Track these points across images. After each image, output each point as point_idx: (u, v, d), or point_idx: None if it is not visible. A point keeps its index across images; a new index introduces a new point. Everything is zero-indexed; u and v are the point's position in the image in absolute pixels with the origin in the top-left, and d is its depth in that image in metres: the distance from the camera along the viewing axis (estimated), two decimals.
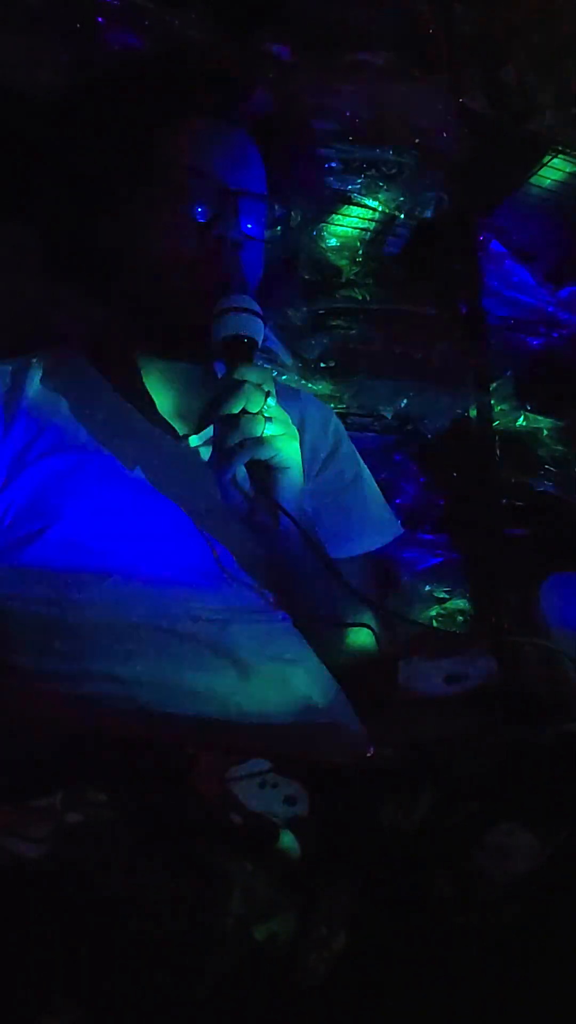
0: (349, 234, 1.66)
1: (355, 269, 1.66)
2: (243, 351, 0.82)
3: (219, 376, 0.84)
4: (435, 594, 1.69)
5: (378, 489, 1.07)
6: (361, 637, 0.93)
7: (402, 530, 1.06)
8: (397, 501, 1.71)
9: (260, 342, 0.83)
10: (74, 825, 0.53)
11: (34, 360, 0.92)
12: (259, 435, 0.78)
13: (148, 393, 0.92)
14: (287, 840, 0.56)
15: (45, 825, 0.52)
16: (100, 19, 1.28)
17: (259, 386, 0.79)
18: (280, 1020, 0.46)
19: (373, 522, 1.02)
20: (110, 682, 0.78)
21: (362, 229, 1.66)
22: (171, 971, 0.44)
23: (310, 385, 1.55)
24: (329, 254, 1.64)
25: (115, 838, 0.53)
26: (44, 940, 0.45)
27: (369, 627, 0.92)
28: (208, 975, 0.45)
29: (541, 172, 1.87)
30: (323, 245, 1.63)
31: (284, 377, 1.49)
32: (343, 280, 1.65)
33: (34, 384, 0.90)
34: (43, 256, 1.02)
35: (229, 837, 0.55)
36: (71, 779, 0.57)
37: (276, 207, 0.93)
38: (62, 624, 0.81)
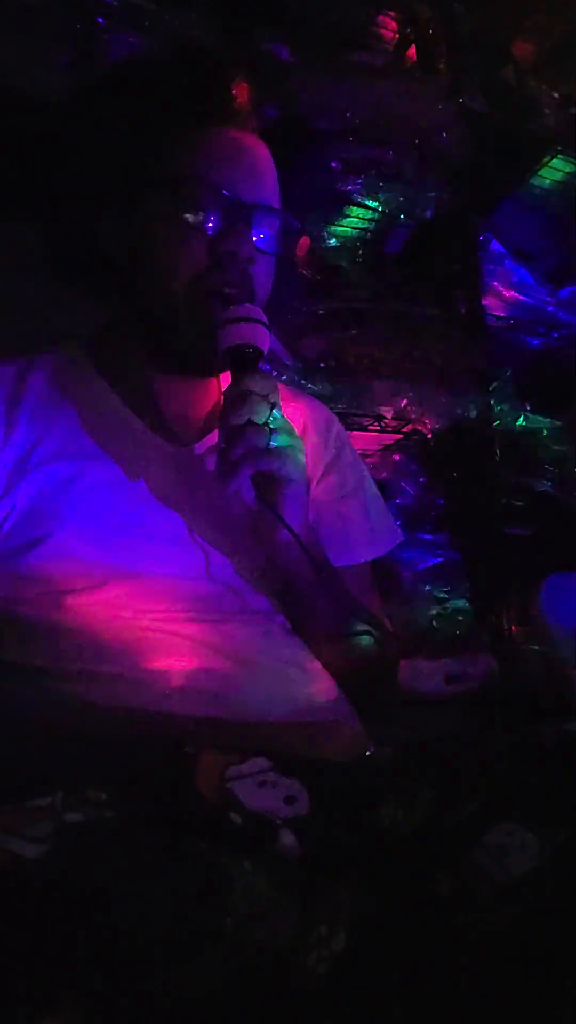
0: (349, 234, 1.66)
1: (355, 269, 1.66)
2: (248, 361, 0.81)
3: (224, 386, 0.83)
4: (435, 594, 1.69)
5: (379, 495, 1.06)
6: (361, 642, 0.93)
7: (403, 536, 1.06)
8: (397, 501, 1.71)
9: (266, 352, 0.82)
10: (74, 825, 0.53)
11: (37, 361, 0.91)
12: (264, 447, 0.77)
13: (151, 400, 0.92)
14: (287, 839, 0.56)
15: (45, 825, 0.52)
16: (100, 19, 1.28)
17: (264, 397, 0.79)
18: (280, 1020, 0.46)
19: (373, 531, 1.01)
20: (110, 681, 0.78)
21: (362, 229, 1.66)
22: (171, 971, 0.44)
23: (310, 385, 1.55)
24: (329, 254, 1.64)
25: (115, 838, 0.53)
26: (44, 940, 0.45)
27: (369, 633, 0.92)
28: (208, 975, 0.45)
29: (541, 172, 1.87)
30: (323, 245, 1.63)
31: (284, 377, 1.49)
32: (343, 280, 1.65)
33: (37, 388, 0.89)
34: (47, 257, 1.02)
35: (229, 836, 0.55)
36: (71, 779, 0.57)
37: (288, 218, 0.91)
38: (61, 626, 0.81)
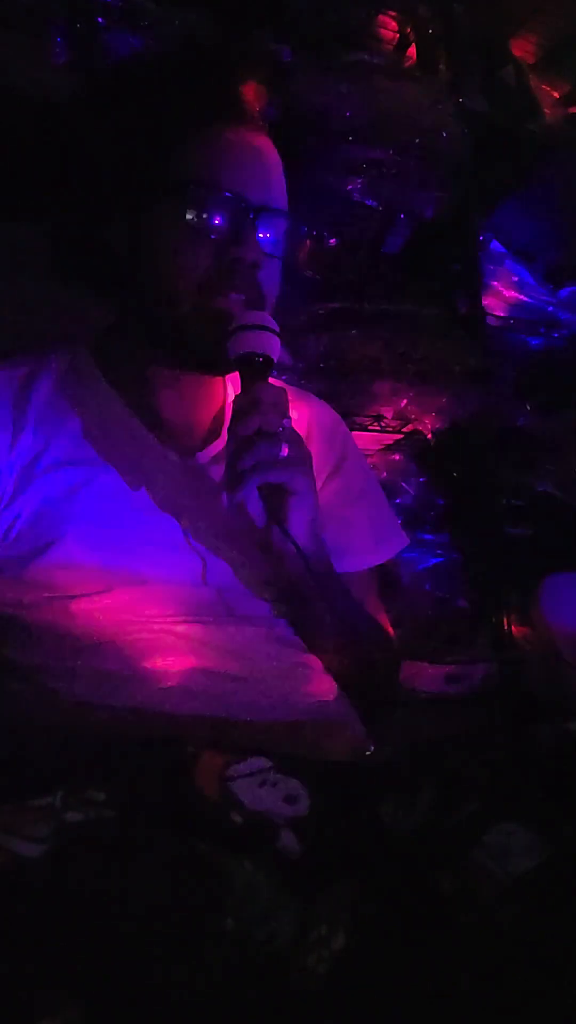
0: (349, 234, 1.65)
1: (355, 269, 1.66)
2: (259, 370, 0.80)
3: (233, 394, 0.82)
4: (435, 594, 1.69)
5: (384, 499, 1.05)
6: (363, 647, 0.93)
7: (407, 541, 1.04)
8: (397, 501, 1.71)
9: (276, 360, 0.81)
10: (74, 825, 0.53)
11: (42, 365, 0.91)
12: (274, 458, 0.76)
13: (156, 405, 0.91)
14: (287, 839, 0.56)
15: (45, 825, 0.52)
16: (100, 19, 1.28)
17: (274, 406, 0.78)
18: (280, 1020, 0.46)
19: (377, 536, 1.00)
20: (110, 681, 0.78)
21: (362, 229, 1.65)
22: (171, 971, 0.44)
23: (310, 385, 1.55)
24: (329, 254, 1.64)
25: (115, 838, 0.53)
26: (44, 940, 0.45)
27: (371, 638, 0.91)
28: (208, 975, 0.45)
29: (541, 172, 1.87)
30: (323, 245, 1.63)
31: (284, 377, 1.49)
32: (343, 280, 1.65)
33: (43, 392, 0.88)
34: (53, 259, 1.02)
35: (229, 836, 0.55)
36: (71, 779, 0.57)
37: (296, 220, 0.90)
38: (64, 629, 0.81)
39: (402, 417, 1.66)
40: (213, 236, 0.83)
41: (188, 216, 0.83)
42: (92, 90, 1.14)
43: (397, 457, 1.74)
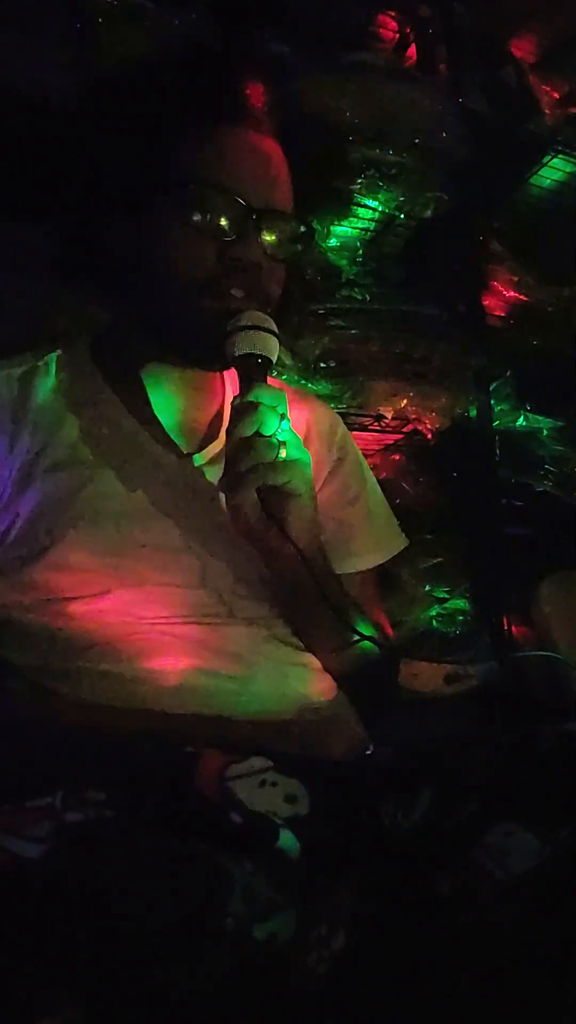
0: (349, 234, 1.66)
1: (355, 269, 1.66)
2: (257, 371, 0.79)
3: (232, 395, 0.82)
4: (435, 594, 1.69)
5: (384, 500, 1.04)
6: (363, 649, 0.93)
7: (407, 542, 1.03)
8: (397, 501, 1.71)
9: (275, 361, 0.81)
10: (74, 825, 0.53)
11: (41, 364, 0.90)
12: (272, 459, 0.76)
13: (155, 406, 0.91)
14: (287, 839, 0.56)
15: (45, 825, 0.52)
16: (100, 19, 1.28)
17: (273, 408, 0.77)
18: (280, 1019, 0.46)
19: (377, 538, 1.00)
20: (110, 681, 0.78)
21: (362, 229, 1.66)
22: (171, 970, 0.44)
23: (310, 385, 1.55)
24: (329, 254, 1.64)
25: (115, 838, 0.53)
26: (44, 939, 0.45)
27: (371, 640, 0.91)
28: (208, 975, 0.45)
29: (541, 172, 1.87)
30: (323, 245, 1.63)
31: (284, 377, 1.49)
32: (343, 280, 1.65)
33: (41, 392, 0.88)
34: (54, 258, 1.01)
35: (229, 836, 0.55)
36: (71, 779, 0.57)
37: (300, 222, 0.89)
38: (63, 630, 0.81)
39: (402, 417, 1.66)
40: (214, 236, 0.83)
41: (190, 216, 0.83)
42: (92, 90, 1.13)
43: (397, 457, 1.74)
